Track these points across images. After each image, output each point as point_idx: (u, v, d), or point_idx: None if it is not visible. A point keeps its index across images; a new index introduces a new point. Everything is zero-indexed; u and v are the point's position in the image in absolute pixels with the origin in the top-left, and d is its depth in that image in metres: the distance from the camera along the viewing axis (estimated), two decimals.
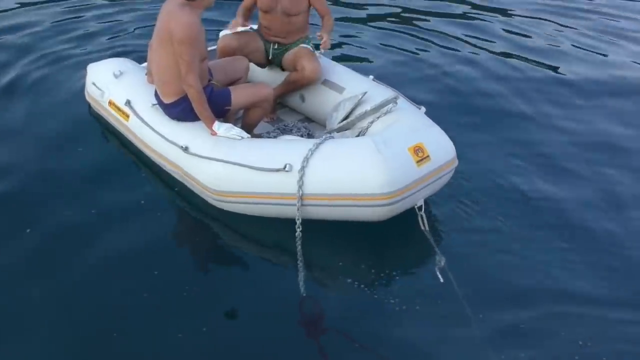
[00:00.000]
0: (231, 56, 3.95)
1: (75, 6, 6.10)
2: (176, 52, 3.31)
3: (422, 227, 3.22)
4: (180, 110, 3.52)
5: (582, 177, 4.05)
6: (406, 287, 3.01)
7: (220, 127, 3.42)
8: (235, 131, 3.41)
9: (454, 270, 3.05)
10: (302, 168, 3.08)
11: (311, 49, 4.07)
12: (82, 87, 4.29)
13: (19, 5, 5.99)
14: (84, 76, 4.27)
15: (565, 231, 3.50)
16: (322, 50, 4.03)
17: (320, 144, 3.17)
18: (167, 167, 3.55)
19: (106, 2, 6.24)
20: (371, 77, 4.03)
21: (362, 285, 3.03)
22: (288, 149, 3.24)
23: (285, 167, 3.11)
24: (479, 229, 3.45)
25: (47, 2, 6.09)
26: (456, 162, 3.39)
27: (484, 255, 3.26)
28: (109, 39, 5.42)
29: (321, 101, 3.98)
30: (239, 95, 3.58)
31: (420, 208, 3.23)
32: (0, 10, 5.84)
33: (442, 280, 2.99)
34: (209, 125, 3.43)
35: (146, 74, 3.93)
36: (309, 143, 3.21)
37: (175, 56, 3.32)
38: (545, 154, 4.26)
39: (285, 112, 4.30)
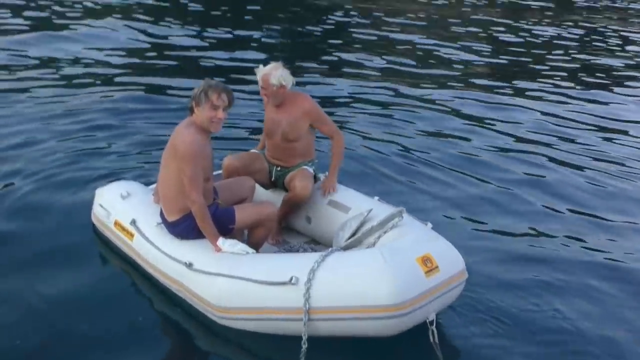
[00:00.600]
0: (236, 176, 4.03)
1: (86, 125, 6.26)
2: (179, 168, 3.37)
3: (432, 340, 3.08)
4: (183, 227, 3.52)
5: (590, 297, 3.94)
6: None
7: (224, 243, 3.39)
8: (240, 246, 3.38)
9: None
10: (309, 280, 3.00)
11: (310, 170, 4.13)
12: (85, 209, 4.32)
13: (24, 122, 6.19)
14: (89, 199, 4.32)
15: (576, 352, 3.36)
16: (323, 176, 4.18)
17: (326, 256, 3.12)
18: (171, 286, 3.47)
19: (115, 123, 6.40)
20: (376, 197, 4.06)
21: None
22: (294, 262, 3.19)
23: (291, 279, 3.03)
24: (489, 347, 3.31)
25: (55, 119, 6.27)
26: (466, 275, 3.32)
27: None
28: (115, 161, 5.49)
29: (327, 222, 3.97)
30: (243, 214, 3.59)
31: (432, 322, 3.10)
32: (5, 127, 6.02)
33: None
34: (213, 242, 3.41)
35: (153, 194, 3.97)
36: (315, 255, 3.16)
37: (179, 173, 3.38)
38: (561, 271, 4.20)
39: (291, 235, 4.28)
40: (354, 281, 3.00)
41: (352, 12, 14.78)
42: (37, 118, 6.30)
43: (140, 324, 3.36)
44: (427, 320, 3.10)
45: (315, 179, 4.18)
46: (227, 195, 3.76)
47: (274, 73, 3.91)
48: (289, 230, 4.30)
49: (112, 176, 4.92)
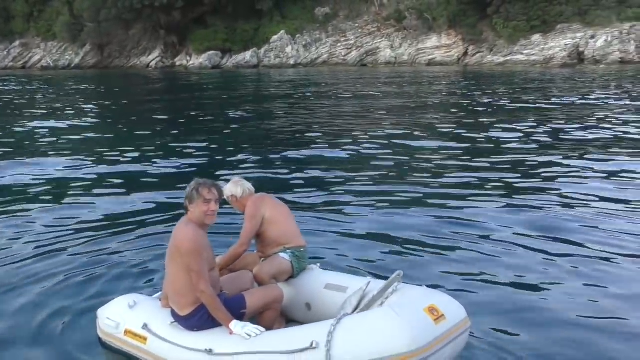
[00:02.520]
0: (232, 271, 4.46)
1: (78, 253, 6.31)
2: (185, 264, 3.76)
3: None
4: (197, 319, 3.85)
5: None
6: None
7: (237, 326, 3.73)
8: (252, 327, 3.72)
9: None
10: (328, 342, 3.39)
11: (282, 255, 4.51)
12: (86, 333, 4.50)
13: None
14: (89, 321, 4.54)
15: None
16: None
17: (340, 319, 3.54)
18: None
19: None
20: (369, 277, 4.50)
21: None
22: (310, 330, 3.58)
23: (312, 344, 3.42)
24: None
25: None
26: (469, 322, 3.75)
27: None
28: (110, 281, 5.57)
29: (328, 305, 4.22)
30: (252, 298, 3.97)
31: None
32: None
33: None
34: (227, 325, 3.74)
35: (160, 299, 4.29)
36: (329, 321, 3.56)
37: (185, 268, 3.78)
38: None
39: (293, 326, 4.42)
40: (371, 336, 3.38)
41: None
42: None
43: None
44: None
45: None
46: (231, 289, 4.17)
47: (226, 187, 4.60)
48: (288, 321, 4.47)
49: (105, 295, 5.10)
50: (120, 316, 4.21)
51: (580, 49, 46.79)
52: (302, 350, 3.45)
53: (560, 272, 5.61)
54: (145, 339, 4.01)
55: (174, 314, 3.98)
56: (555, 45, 47.46)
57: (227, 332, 3.75)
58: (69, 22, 57.03)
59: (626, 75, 33.17)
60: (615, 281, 5.42)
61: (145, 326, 4.04)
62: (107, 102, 24.48)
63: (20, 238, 6.75)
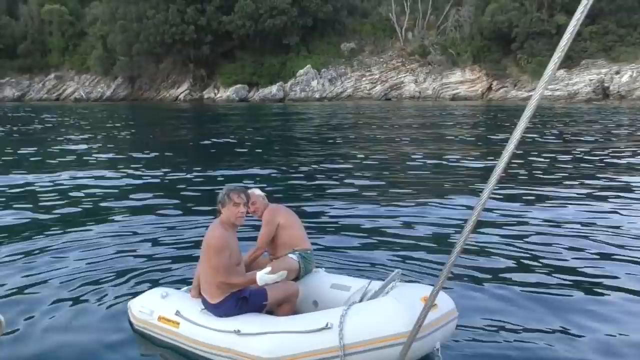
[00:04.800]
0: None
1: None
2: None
3: None
4: (227, 307, 4.33)
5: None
6: None
7: (262, 278, 4.23)
8: (274, 276, 4.25)
9: None
10: (341, 323, 3.86)
11: (290, 256, 5.01)
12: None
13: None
14: (119, 314, 5.07)
15: None
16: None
17: (351, 305, 4.04)
18: (219, 354, 4.17)
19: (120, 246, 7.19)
20: (370, 279, 4.98)
21: None
22: (325, 314, 4.06)
23: (327, 325, 3.87)
24: None
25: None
26: (457, 313, 4.24)
27: None
28: (139, 278, 6.14)
29: (333, 302, 4.71)
30: (273, 292, 4.46)
31: (437, 350, 3.96)
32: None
33: None
34: (253, 281, 4.27)
35: (190, 291, 4.77)
36: (341, 307, 4.05)
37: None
38: None
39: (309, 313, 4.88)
40: (376, 318, 3.88)
41: None
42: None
43: None
44: (435, 349, 3.95)
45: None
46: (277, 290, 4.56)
47: (255, 191, 5.15)
48: None
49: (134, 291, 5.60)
50: (154, 305, 4.71)
51: (605, 84, 46.95)
52: (318, 330, 3.89)
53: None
54: (178, 323, 4.47)
55: (204, 302, 4.44)
56: (579, 81, 47.69)
57: (252, 316, 4.20)
58: (102, 55, 59.12)
59: None
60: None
61: (177, 312, 4.51)
62: (136, 132, 25.37)
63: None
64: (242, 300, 4.36)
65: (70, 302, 5.48)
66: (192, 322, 4.39)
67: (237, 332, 4.10)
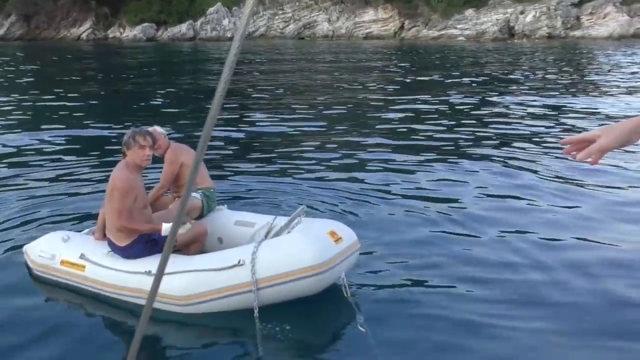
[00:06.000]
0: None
1: None
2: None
3: (345, 295, 4.02)
4: (136, 249, 4.21)
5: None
6: (337, 342, 3.82)
7: (167, 229, 4.12)
8: (181, 230, 4.14)
9: (371, 324, 3.83)
10: (253, 259, 3.84)
11: (193, 195, 4.94)
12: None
13: None
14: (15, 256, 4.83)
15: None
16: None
17: (260, 242, 4.03)
18: (131, 296, 4.06)
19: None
20: (273, 215, 4.96)
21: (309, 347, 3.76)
22: (237, 251, 4.02)
23: (239, 261, 3.85)
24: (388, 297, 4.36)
25: None
26: (359, 245, 4.36)
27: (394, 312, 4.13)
28: (36, 222, 5.86)
29: (237, 238, 4.67)
30: (183, 233, 4.35)
31: (343, 279, 4.06)
32: None
33: (364, 330, 3.75)
34: (158, 229, 4.18)
35: (93, 233, 4.58)
36: (252, 244, 4.02)
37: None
38: None
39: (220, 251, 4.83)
40: (286, 254, 3.91)
41: None
42: None
43: (106, 339, 3.88)
44: (341, 278, 4.05)
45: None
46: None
47: (157, 128, 4.99)
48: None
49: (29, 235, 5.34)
50: (55, 248, 4.51)
51: (511, 24, 48.49)
52: (231, 267, 3.86)
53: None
54: (83, 267, 4.31)
55: (111, 244, 4.29)
56: (487, 20, 48.99)
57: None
58: None
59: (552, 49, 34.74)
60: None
61: (82, 256, 4.34)
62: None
63: None
64: (151, 242, 4.28)
65: None
66: (99, 265, 4.23)
67: (148, 272, 3.99)
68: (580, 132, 2.21)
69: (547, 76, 20.15)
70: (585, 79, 19.72)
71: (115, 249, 4.26)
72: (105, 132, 10.86)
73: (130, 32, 53.72)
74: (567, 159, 7.46)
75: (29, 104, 14.80)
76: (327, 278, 3.93)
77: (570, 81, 18.82)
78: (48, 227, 5.56)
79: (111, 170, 4.32)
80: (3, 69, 25.39)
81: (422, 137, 10.12)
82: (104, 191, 4.40)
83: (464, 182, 7.28)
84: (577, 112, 12.67)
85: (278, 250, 3.94)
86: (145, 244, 4.23)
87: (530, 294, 4.36)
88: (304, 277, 3.84)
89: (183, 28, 52.91)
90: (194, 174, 1.53)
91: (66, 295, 4.37)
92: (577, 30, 47.85)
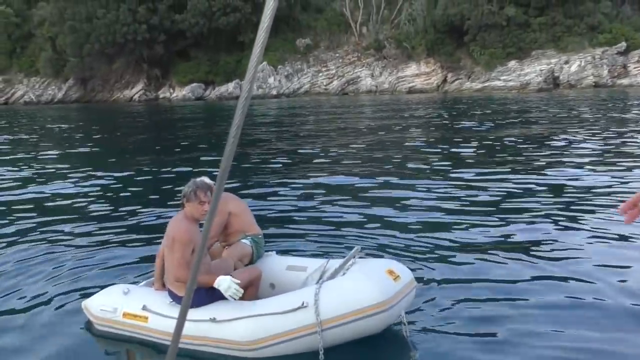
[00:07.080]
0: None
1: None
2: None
3: (405, 334, 4.05)
4: (197, 298, 4.24)
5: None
6: None
7: (223, 282, 4.15)
8: (234, 286, 4.12)
9: None
10: (316, 301, 3.86)
11: (243, 241, 5.04)
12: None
13: None
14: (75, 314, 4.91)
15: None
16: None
17: (322, 283, 4.06)
18: (194, 344, 4.09)
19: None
20: (326, 259, 4.96)
21: None
22: (298, 294, 4.06)
23: (302, 304, 3.86)
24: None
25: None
26: (415, 283, 4.40)
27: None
28: (76, 280, 5.93)
29: (290, 283, 4.71)
30: (239, 276, 4.39)
31: (403, 317, 4.09)
32: None
33: None
34: (212, 283, 4.18)
35: (152, 284, 4.69)
36: (313, 286, 4.06)
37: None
38: None
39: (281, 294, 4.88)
40: (349, 293, 3.94)
41: None
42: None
43: None
44: (400, 316, 4.07)
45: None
46: (218, 272, 4.52)
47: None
48: None
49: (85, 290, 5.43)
50: (117, 302, 4.56)
51: (555, 74, 48.22)
52: (295, 310, 3.87)
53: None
54: (146, 318, 4.36)
55: (172, 294, 4.37)
56: (531, 71, 48.86)
57: (225, 303, 4.14)
58: (52, 57, 57.50)
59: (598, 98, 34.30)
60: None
61: (144, 307, 4.42)
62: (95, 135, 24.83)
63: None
64: (211, 290, 4.30)
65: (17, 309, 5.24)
66: (162, 315, 4.30)
67: (213, 319, 4.06)
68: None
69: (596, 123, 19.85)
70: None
71: (176, 298, 4.34)
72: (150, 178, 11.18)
73: (179, 92, 55.64)
74: None
75: (82, 157, 15.39)
76: (389, 316, 3.95)
77: (621, 128, 18.46)
78: (99, 281, 5.69)
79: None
80: (61, 128, 26.62)
81: (471, 182, 10.04)
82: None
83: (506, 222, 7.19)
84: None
85: (340, 290, 3.97)
86: (206, 292, 4.27)
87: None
88: (367, 315, 3.87)
89: (230, 87, 54.49)
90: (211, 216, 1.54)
91: (129, 347, 4.42)
92: (624, 78, 47.19)
